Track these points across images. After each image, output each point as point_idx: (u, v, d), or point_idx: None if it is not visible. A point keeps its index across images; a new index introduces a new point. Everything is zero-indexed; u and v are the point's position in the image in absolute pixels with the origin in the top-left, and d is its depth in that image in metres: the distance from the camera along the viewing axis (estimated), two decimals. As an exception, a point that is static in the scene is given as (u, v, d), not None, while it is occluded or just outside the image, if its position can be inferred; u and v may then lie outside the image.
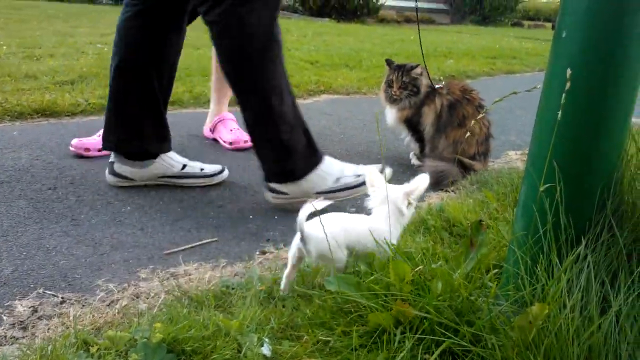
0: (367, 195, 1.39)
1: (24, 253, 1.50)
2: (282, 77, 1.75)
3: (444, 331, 0.94)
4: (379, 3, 13.34)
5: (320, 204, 1.19)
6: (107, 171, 2.01)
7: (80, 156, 2.28)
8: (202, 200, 1.96)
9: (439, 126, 2.39)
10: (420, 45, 2.28)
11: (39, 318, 1.22)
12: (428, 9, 15.58)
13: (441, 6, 16.83)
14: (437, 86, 2.44)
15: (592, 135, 1.00)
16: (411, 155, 2.59)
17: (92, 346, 1.05)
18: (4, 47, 4.72)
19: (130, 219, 1.76)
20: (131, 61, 1.90)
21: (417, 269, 1.10)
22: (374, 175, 1.39)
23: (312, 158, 1.84)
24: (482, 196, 1.90)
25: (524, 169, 1.10)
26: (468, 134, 2.26)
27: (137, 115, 1.97)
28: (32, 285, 1.35)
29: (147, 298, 1.32)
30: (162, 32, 1.92)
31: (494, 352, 0.86)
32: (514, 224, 1.10)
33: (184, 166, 2.07)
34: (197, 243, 1.63)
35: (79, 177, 2.08)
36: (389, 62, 2.51)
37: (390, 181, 1.39)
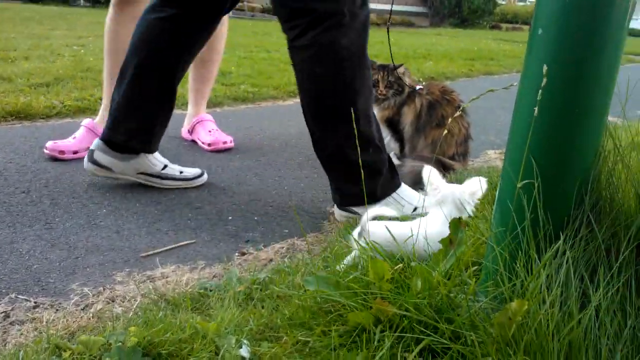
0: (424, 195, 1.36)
1: (-4, 257, 1.46)
2: (370, 100, 1.73)
3: (423, 329, 0.93)
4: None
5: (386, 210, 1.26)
6: (85, 159, 1.96)
7: (54, 159, 2.24)
8: (179, 201, 1.93)
9: (419, 126, 2.40)
10: (390, 46, 2.28)
11: (11, 323, 1.19)
12: (407, 12, 15.69)
13: (420, 9, 16.96)
14: (417, 87, 2.45)
15: (568, 131, 1.00)
16: (391, 154, 2.58)
17: (64, 351, 1.02)
18: (-23, 50, 4.63)
19: (105, 222, 1.72)
20: (156, 63, 1.86)
21: (397, 267, 1.09)
22: (432, 174, 1.34)
23: (393, 181, 1.81)
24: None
25: (502, 167, 1.09)
26: (446, 131, 2.26)
27: (153, 114, 1.94)
28: (4, 290, 1.31)
29: (123, 301, 1.29)
30: (195, 37, 1.90)
31: (474, 348, 0.85)
32: (492, 221, 1.10)
33: (165, 167, 2.04)
34: (175, 245, 1.61)
35: (53, 180, 2.03)
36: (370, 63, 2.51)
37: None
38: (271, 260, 1.55)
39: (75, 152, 2.26)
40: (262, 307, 1.19)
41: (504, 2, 21.69)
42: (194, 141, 2.68)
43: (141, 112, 1.93)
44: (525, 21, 20.66)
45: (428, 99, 2.40)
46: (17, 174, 2.06)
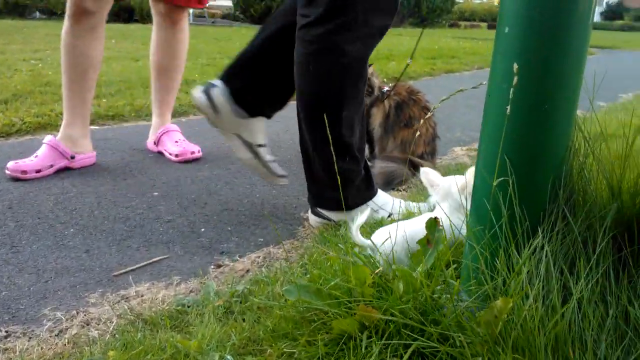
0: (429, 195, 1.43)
1: (-40, 286, 1.40)
2: (358, 111, 1.72)
3: (410, 333, 0.92)
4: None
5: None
6: (201, 89, 1.88)
7: (16, 179, 2.16)
8: (149, 216, 1.89)
9: (387, 127, 2.41)
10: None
11: (-20, 355, 1.13)
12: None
13: (380, 10, 17.09)
14: (385, 88, 2.46)
15: (539, 127, 1.01)
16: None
17: (40, 381, 0.98)
18: None
19: (74, 242, 1.67)
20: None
21: (377, 270, 1.08)
22: (430, 174, 1.41)
23: (367, 192, 1.80)
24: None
25: (475, 166, 1.10)
26: (418, 133, 2.28)
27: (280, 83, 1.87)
28: (-30, 320, 1.25)
29: (98, 324, 1.24)
30: None
31: (463, 349, 0.85)
32: (469, 219, 1.10)
33: (262, 146, 1.96)
34: (147, 262, 1.56)
35: (17, 201, 1.96)
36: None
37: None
38: (248, 270, 1.53)
39: (38, 171, 2.19)
40: (243, 320, 1.17)
41: (461, 1, 22.06)
42: (160, 152, 2.63)
43: (266, 78, 1.88)
44: (482, 18, 21.07)
45: (395, 100, 2.41)
46: (-22, 197, 1.98)
